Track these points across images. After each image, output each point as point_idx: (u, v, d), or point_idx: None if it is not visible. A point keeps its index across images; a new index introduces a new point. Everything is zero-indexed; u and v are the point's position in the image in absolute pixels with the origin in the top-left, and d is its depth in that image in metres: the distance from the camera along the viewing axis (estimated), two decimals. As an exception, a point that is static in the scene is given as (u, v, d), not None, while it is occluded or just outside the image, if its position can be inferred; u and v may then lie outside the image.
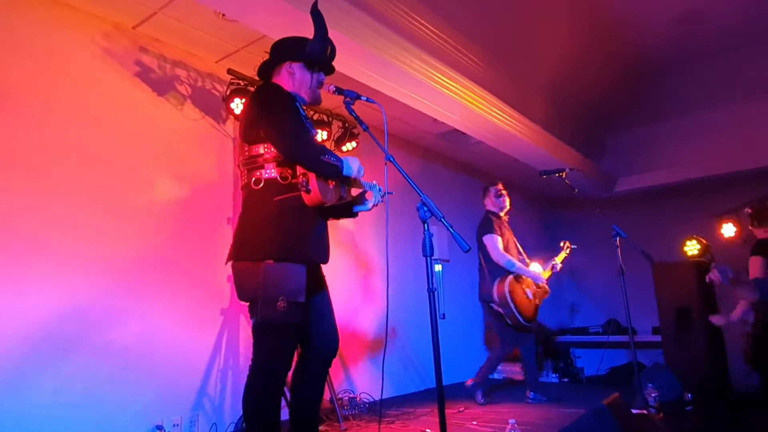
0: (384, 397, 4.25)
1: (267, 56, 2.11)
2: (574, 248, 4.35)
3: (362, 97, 2.04)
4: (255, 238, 1.88)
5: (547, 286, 4.12)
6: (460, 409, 3.74)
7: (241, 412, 3.16)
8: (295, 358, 2.05)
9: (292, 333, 1.89)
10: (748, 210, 3.81)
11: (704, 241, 5.10)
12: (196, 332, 3.17)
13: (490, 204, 4.20)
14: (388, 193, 2.10)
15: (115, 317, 2.81)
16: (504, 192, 4.20)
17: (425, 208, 1.78)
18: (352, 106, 2.03)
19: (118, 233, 2.88)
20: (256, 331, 1.89)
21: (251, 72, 3.19)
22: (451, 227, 1.77)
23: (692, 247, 5.13)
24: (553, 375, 5.76)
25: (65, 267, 2.66)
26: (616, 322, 6.54)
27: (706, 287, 4.53)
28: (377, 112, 1.96)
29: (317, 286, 2.05)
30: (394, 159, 1.90)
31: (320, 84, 2.10)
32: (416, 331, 4.69)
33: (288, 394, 2.35)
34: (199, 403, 3.10)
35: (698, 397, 3.69)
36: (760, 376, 3.82)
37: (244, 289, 1.92)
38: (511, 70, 4.52)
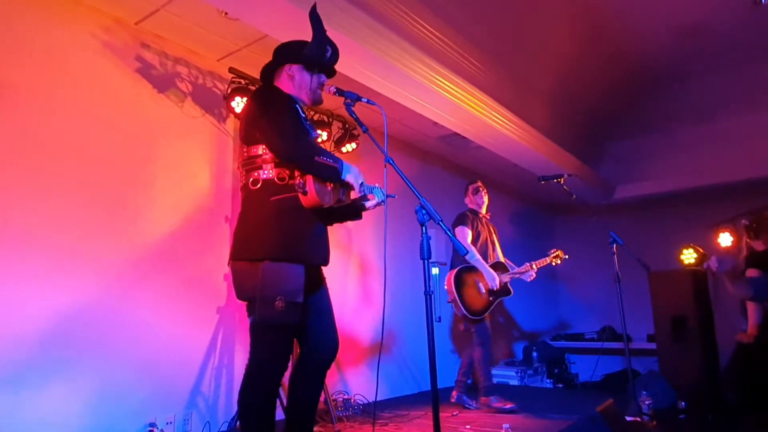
0: (378, 399, 4.24)
1: (269, 56, 2.11)
2: (565, 258, 4.20)
3: (363, 99, 2.04)
4: (253, 239, 1.88)
5: (508, 287, 3.97)
6: (454, 413, 3.73)
7: (234, 411, 3.18)
8: (295, 358, 2.05)
9: (289, 333, 1.89)
10: (744, 222, 3.81)
11: (701, 250, 5.12)
12: (192, 331, 3.16)
13: (468, 201, 4.25)
14: (390, 196, 2.10)
15: (110, 315, 2.79)
16: (482, 189, 4.22)
17: (423, 211, 1.78)
18: (353, 108, 2.03)
19: (115, 231, 2.87)
20: (254, 330, 1.89)
21: (253, 71, 3.20)
22: (449, 230, 1.77)
23: (689, 256, 5.14)
24: (548, 381, 5.75)
25: (61, 264, 2.64)
26: (612, 329, 6.56)
27: (702, 296, 4.55)
28: (377, 113, 1.96)
29: (317, 286, 2.04)
30: (393, 161, 1.90)
31: (321, 85, 2.10)
32: (412, 333, 4.70)
33: (282, 395, 2.34)
34: (192, 401, 3.09)
35: (692, 406, 3.70)
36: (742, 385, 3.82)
37: (242, 288, 1.92)
38: (512, 76, 4.53)
